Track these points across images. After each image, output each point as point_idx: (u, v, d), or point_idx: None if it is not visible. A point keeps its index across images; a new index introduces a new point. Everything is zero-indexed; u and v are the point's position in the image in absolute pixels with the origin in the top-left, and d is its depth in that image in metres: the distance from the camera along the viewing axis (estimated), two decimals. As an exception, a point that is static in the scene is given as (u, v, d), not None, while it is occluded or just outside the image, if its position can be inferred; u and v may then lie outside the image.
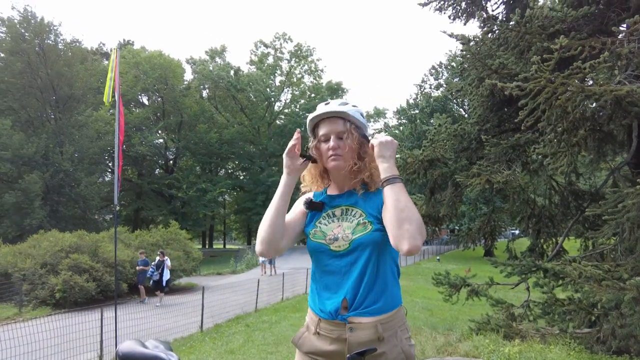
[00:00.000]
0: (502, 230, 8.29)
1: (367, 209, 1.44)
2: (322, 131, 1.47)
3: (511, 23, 4.92)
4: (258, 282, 11.39)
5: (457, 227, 27.32)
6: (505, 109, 6.72)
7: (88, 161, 27.37)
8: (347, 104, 1.48)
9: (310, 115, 1.49)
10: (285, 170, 1.47)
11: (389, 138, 1.39)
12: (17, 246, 13.46)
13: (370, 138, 1.46)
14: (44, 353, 5.54)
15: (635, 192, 3.29)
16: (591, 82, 4.07)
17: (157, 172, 38.19)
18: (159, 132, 36.00)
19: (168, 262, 12.71)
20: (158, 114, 36.74)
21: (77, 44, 28.53)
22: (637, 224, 3.46)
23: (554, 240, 7.27)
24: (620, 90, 3.23)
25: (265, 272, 19.22)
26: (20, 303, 11.01)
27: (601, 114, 3.86)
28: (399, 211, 1.26)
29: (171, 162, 39.00)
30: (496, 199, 9.41)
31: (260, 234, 1.43)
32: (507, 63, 4.91)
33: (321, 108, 1.48)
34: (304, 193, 1.59)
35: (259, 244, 1.44)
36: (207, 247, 46.14)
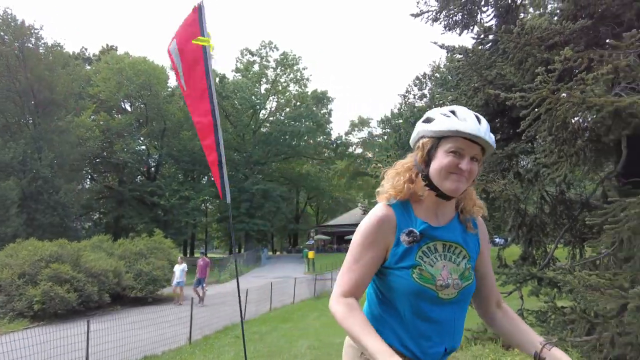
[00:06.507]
0: (493, 239, 8.40)
1: (470, 251, 1.31)
2: (454, 144, 1.23)
3: (505, 34, 5.00)
4: (246, 292, 11.19)
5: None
6: (498, 119, 6.82)
7: (68, 167, 26.64)
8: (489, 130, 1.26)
9: (457, 125, 1.21)
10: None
11: None
12: (-8, 256, 12.92)
13: None
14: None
15: (636, 202, 3.35)
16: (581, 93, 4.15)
17: (138, 179, 37.46)
18: (142, 139, 35.45)
19: None
20: (141, 120, 36.18)
21: (59, 48, 27.91)
22: (637, 233, 3.52)
23: (542, 248, 7.37)
24: (622, 102, 3.29)
25: (178, 300, 13.37)
26: (-4, 315, 10.56)
27: (598, 124, 3.93)
28: None
29: (153, 169, 38.37)
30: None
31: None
32: (504, 74, 4.98)
33: (473, 124, 1.21)
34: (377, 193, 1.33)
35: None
36: (188, 255, 45.35)
